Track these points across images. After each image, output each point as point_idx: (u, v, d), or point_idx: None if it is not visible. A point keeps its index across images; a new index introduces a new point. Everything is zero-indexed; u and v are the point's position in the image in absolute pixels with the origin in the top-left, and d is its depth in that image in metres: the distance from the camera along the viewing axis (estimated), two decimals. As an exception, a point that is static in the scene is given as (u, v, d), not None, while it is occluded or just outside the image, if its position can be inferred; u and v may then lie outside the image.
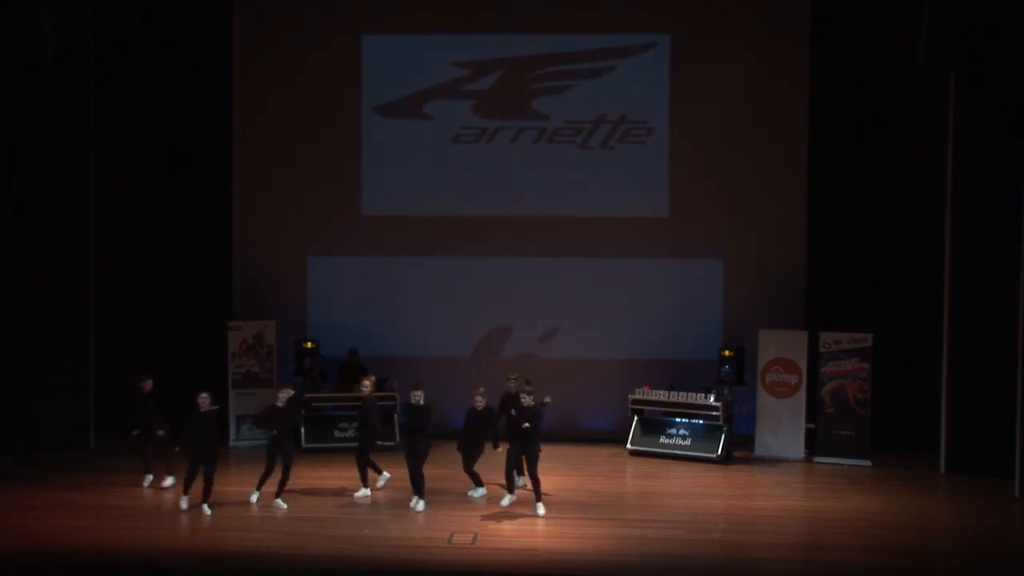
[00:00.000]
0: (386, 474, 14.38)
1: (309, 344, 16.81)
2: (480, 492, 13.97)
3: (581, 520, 12.88)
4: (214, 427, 13.37)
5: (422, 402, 13.54)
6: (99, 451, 15.97)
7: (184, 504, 13.11)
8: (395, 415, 16.44)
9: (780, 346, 16.15)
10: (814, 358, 16.06)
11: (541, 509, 13.19)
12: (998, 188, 14.83)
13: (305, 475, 14.82)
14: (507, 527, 12.53)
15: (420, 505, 13.32)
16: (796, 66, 16.90)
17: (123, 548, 11.72)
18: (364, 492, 13.98)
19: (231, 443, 16.39)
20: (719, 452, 15.77)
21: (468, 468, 13.91)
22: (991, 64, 15.10)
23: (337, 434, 16.33)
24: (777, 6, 16.99)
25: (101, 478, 14.49)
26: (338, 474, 14.89)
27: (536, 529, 12.53)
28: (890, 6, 16.66)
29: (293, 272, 17.44)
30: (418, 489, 13.38)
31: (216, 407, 13.45)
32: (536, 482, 13.30)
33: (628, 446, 16.29)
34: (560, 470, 15.34)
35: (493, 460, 14.13)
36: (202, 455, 13.15)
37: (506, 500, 13.55)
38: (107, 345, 16.56)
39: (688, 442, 16.02)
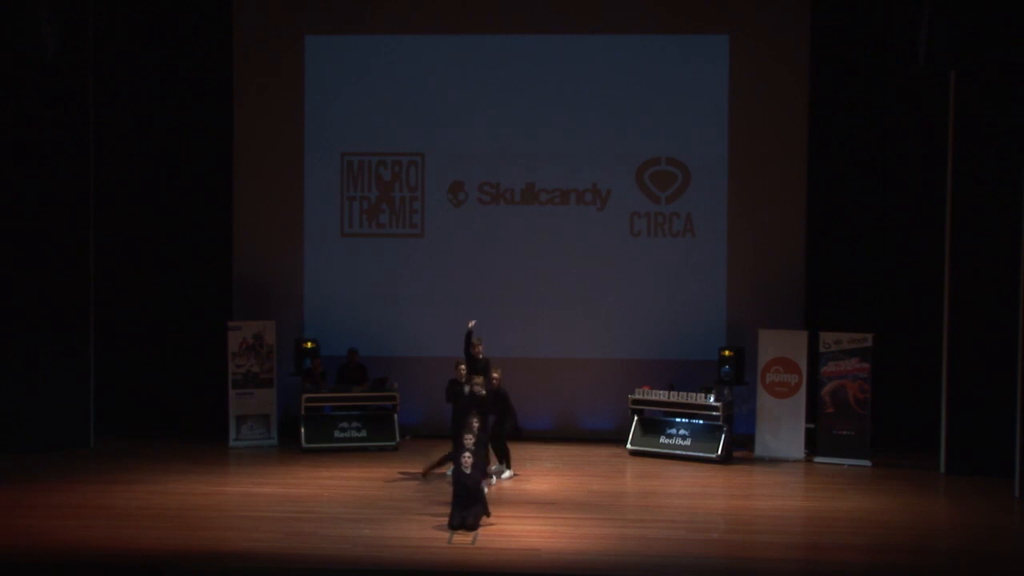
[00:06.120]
0: (508, 471, 14.78)
1: (309, 344, 16.82)
2: (507, 474, 14.70)
3: (581, 520, 12.88)
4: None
5: (483, 391, 14.21)
6: (99, 451, 15.98)
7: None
8: (395, 416, 16.47)
9: (780, 346, 16.15)
10: (814, 358, 16.06)
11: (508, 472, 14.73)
12: (998, 188, 14.83)
13: (305, 475, 14.84)
14: (507, 527, 12.52)
15: (507, 473, 14.69)
16: (796, 65, 16.90)
17: (123, 548, 11.71)
18: (508, 473, 14.67)
19: (231, 443, 16.39)
20: (719, 452, 15.77)
21: (495, 444, 14.67)
22: (991, 64, 15.11)
23: (337, 434, 16.33)
24: (777, 5, 17.00)
25: (101, 478, 14.49)
26: (338, 474, 14.90)
27: (536, 529, 12.53)
28: (890, 6, 16.67)
29: (293, 272, 17.46)
30: (503, 458, 14.72)
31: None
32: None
33: (628, 446, 16.29)
34: (560, 470, 15.37)
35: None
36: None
37: (506, 474, 14.64)
38: (107, 345, 16.57)
39: (688, 442, 16.02)
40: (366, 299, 17.45)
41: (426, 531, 12.32)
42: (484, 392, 14.24)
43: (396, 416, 16.47)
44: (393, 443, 16.33)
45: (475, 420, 13.49)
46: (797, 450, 16.05)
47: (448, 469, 14.02)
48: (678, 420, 16.18)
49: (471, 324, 15.01)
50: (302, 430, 16.21)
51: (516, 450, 15.57)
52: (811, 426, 16.08)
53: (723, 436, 15.83)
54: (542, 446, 16.66)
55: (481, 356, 14.96)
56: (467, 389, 14.34)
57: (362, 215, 17.54)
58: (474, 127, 17.40)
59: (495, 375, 14.77)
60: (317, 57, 17.43)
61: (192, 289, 17.49)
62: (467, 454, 12.72)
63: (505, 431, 14.85)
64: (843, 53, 16.91)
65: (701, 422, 16.03)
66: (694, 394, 16.08)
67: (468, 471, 12.64)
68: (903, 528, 12.88)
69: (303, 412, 16.29)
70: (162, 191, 17.50)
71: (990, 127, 15.00)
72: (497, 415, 14.57)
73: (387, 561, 11.41)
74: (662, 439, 16.18)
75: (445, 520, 12.46)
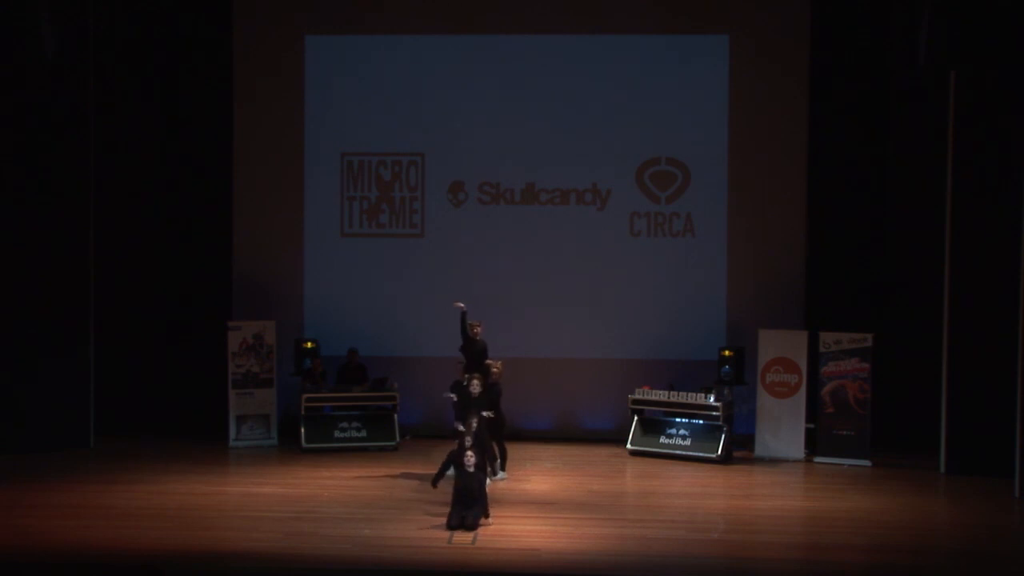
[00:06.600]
0: (502, 473, 14.70)
1: (309, 344, 16.82)
2: (500, 476, 14.57)
3: (581, 520, 12.88)
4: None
5: (478, 389, 14.24)
6: (99, 451, 15.98)
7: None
8: (395, 416, 16.46)
9: (780, 346, 16.15)
10: (814, 358, 16.06)
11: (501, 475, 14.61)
12: (998, 188, 14.83)
13: (305, 475, 14.84)
14: (507, 527, 12.52)
15: (501, 475, 14.57)
16: (796, 66, 16.91)
17: (123, 548, 11.71)
18: (502, 475, 14.60)
19: (231, 443, 16.39)
20: (719, 452, 15.77)
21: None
22: (991, 64, 15.11)
23: (337, 434, 16.33)
24: (777, 5, 17.00)
25: (101, 478, 14.49)
26: (338, 474, 14.90)
27: (536, 529, 12.53)
28: (890, 6, 16.68)
29: (293, 272, 17.45)
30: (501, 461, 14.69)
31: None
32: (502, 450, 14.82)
33: (628, 446, 16.29)
34: (560, 470, 15.37)
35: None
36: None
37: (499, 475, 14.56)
38: (107, 345, 16.56)
39: (688, 442, 16.02)
40: (366, 299, 17.45)
41: (426, 531, 12.32)
42: (480, 390, 14.24)
43: (396, 416, 16.46)
44: (393, 443, 16.33)
45: (474, 420, 13.50)
46: (797, 450, 16.05)
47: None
48: (678, 420, 16.18)
49: (462, 307, 14.97)
50: (302, 430, 16.20)
51: (517, 450, 15.60)
52: (811, 426, 16.08)
53: (723, 436, 15.82)
54: (542, 446, 16.66)
55: (479, 339, 15.02)
56: (455, 398, 14.46)
57: (362, 215, 17.55)
58: (474, 127, 17.40)
59: (495, 369, 14.76)
60: (317, 57, 17.44)
61: (192, 289, 17.50)
62: (468, 453, 12.71)
63: (503, 432, 14.85)
64: (843, 53, 16.91)
65: (701, 422, 16.02)
66: (694, 394, 16.08)
67: (471, 470, 12.64)
68: (903, 528, 12.88)
69: (303, 412, 16.29)
70: (162, 191, 17.52)
71: (990, 127, 15.00)
72: (491, 410, 14.45)
73: (387, 561, 11.41)
74: (662, 439, 16.18)
75: (444, 520, 12.45)
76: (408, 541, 12.00)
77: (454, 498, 12.58)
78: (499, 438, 14.69)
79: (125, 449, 16.10)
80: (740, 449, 16.25)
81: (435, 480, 13.03)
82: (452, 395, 14.54)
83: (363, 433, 16.36)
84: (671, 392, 16.23)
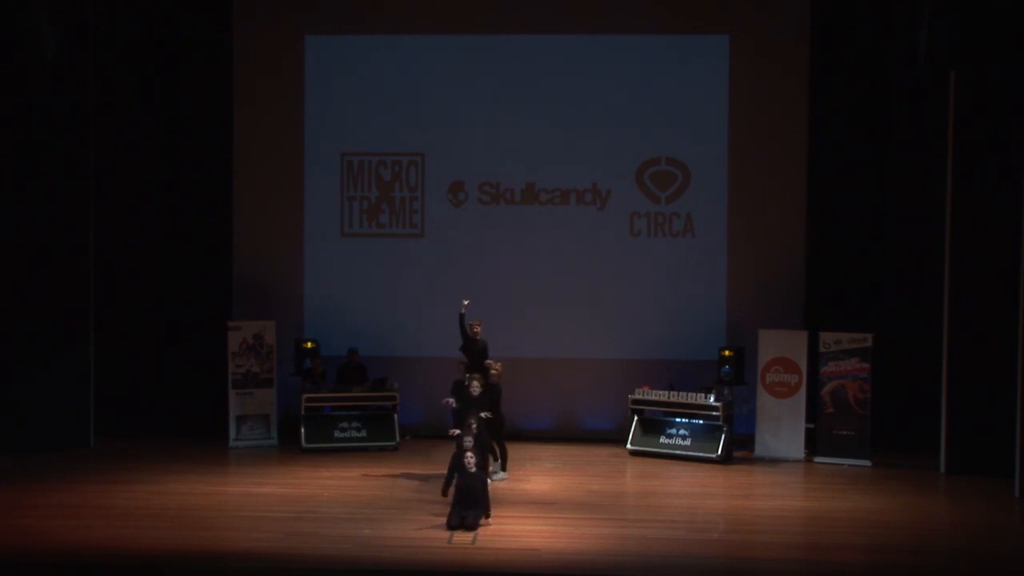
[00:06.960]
0: (502, 473, 14.67)
1: (309, 344, 16.83)
2: (500, 476, 14.56)
3: (581, 520, 12.88)
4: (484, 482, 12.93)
5: (479, 389, 14.26)
6: (99, 451, 15.98)
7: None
8: (395, 416, 16.46)
9: (780, 346, 16.15)
10: (814, 358, 16.06)
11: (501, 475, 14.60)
12: (998, 188, 14.83)
13: (305, 475, 14.84)
14: (507, 527, 12.52)
15: (501, 475, 14.59)
16: (796, 66, 16.91)
17: (123, 548, 11.71)
18: (502, 475, 14.60)
19: (231, 443, 16.39)
20: (719, 452, 15.77)
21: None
22: (991, 64, 15.12)
23: (337, 434, 16.33)
24: (777, 5, 17.00)
25: (101, 478, 14.49)
26: (338, 474, 14.90)
27: (536, 529, 12.53)
28: (890, 6, 16.69)
29: (293, 272, 17.46)
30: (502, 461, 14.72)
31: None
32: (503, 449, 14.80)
33: (628, 446, 16.29)
34: (560, 470, 15.37)
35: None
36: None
37: (500, 475, 14.56)
38: (107, 345, 16.56)
39: (688, 442, 16.02)
40: (366, 299, 17.46)
41: (426, 531, 12.32)
42: (479, 391, 14.26)
43: (396, 416, 16.47)
44: (393, 443, 16.33)
45: (472, 420, 13.50)
46: (797, 450, 16.05)
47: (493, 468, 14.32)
48: (678, 420, 16.18)
49: (465, 302, 15.00)
50: (302, 430, 16.21)
51: (517, 450, 15.59)
52: (811, 426, 16.08)
53: (723, 436, 15.82)
54: (542, 446, 16.66)
55: (479, 338, 15.05)
56: (454, 404, 14.47)
57: (362, 215, 17.56)
58: (474, 127, 17.41)
59: (494, 371, 14.78)
60: (317, 57, 17.44)
61: (192, 289, 17.50)
62: (468, 454, 12.71)
63: (503, 432, 14.85)
64: (843, 53, 16.92)
65: (701, 422, 16.02)
66: (694, 394, 16.08)
67: (473, 470, 12.64)
68: (903, 528, 12.88)
69: (303, 412, 16.29)
70: (162, 191, 17.52)
71: (990, 127, 15.00)
72: (490, 410, 14.44)
73: (387, 561, 11.41)
74: (662, 439, 16.18)
75: (444, 520, 12.45)
76: (408, 541, 12.00)
77: (456, 498, 12.57)
78: (499, 438, 14.69)
79: (125, 449, 16.11)
80: (740, 449, 16.25)
81: (444, 489, 12.99)
82: (451, 400, 14.51)
83: (363, 433, 16.37)
84: (671, 392, 16.23)
